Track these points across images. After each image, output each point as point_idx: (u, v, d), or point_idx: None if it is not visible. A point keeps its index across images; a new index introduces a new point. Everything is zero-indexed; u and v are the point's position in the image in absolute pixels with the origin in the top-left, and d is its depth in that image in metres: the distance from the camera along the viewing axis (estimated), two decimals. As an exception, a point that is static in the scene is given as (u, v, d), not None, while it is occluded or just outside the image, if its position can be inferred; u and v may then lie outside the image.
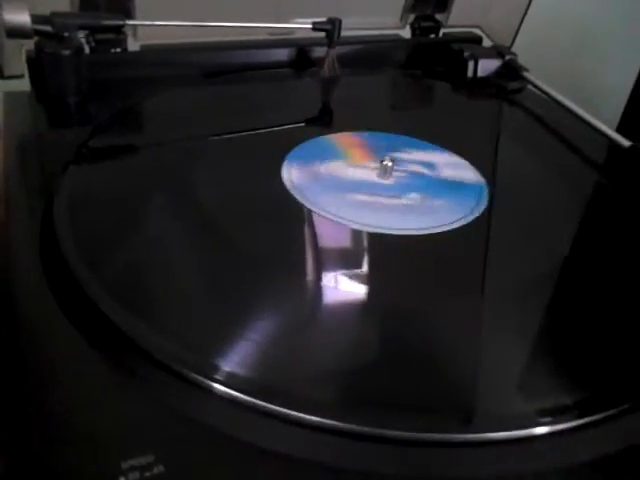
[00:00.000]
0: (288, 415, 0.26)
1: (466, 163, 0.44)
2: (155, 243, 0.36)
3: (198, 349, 0.29)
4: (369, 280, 0.35)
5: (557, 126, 0.53)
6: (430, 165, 0.43)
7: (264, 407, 0.26)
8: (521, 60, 0.61)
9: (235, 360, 0.29)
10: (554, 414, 0.28)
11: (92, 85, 0.49)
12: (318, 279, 0.34)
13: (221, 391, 0.27)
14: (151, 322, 0.30)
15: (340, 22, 0.55)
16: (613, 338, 0.33)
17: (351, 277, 0.35)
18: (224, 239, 0.36)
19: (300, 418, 0.26)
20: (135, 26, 0.54)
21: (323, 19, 0.55)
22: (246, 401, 0.27)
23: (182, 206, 0.39)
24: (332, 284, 0.34)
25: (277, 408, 0.26)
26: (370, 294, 0.34)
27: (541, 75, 0.60)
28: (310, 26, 0.54)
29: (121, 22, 0.48)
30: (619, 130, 0.67)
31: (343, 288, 0.34)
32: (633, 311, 0.35)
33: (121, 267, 0.34)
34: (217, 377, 0.27)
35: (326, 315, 0.33)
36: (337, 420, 0.26)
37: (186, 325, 0.31)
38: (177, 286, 0.33)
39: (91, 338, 0.29)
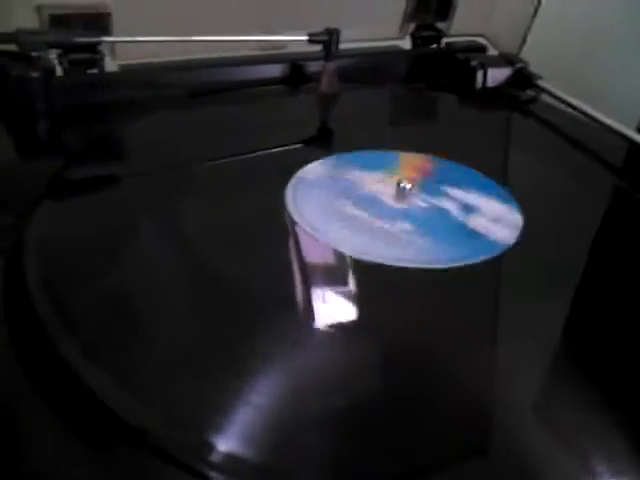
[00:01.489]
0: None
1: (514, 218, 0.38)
2: (143, 296, 0.30)
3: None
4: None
5: (580, 137, 0.49)
6: (469, 208, 0.38)
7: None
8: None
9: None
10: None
11: (66, 110, 0.44)
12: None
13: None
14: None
15: (338, 32, 0.50)
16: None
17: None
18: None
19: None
20: (112, 44, 0.48)
21: (319, 30, 0.50)
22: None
23: (170, 246, 0.34)
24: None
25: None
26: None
27: (550, 84, 0.56)
28: (306, 38, 0.50)
29: (96, 39, 0.43)
30: None
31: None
32: None
33: (105, 328, 0.28)
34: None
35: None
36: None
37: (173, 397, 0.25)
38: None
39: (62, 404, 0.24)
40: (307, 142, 0.46)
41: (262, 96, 0.52)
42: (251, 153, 0.43)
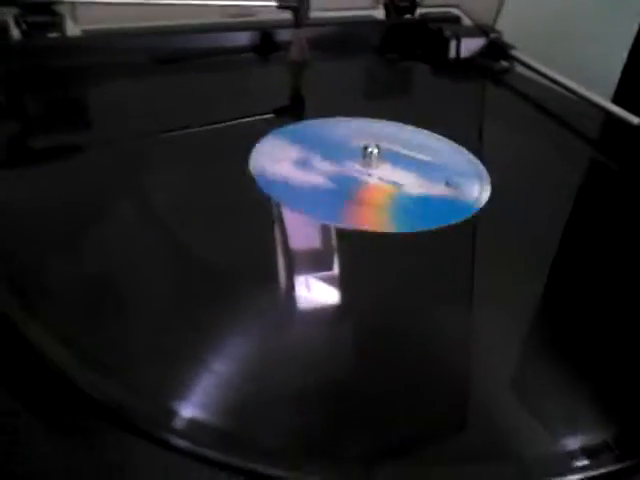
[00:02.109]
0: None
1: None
2: (103, 265, 0.29)
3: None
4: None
5: (553, 106, 0.48)
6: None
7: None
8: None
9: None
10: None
11: (23, 74, 0.42)
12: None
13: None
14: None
15: (309, -1, 0.49)
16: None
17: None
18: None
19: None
20: (73, 6, 0.47)
21: (289, -4, 0.49)
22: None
23: (129, 213, 0.33)
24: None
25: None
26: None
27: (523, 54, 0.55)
28: (275, 4, 0.48)
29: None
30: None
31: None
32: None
33: (65, 297, 0.27)
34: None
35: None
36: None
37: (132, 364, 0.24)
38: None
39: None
40: (274, 110, 0.45)
41: (229, 64, 0.51)
42: (215, 123, 0.41)
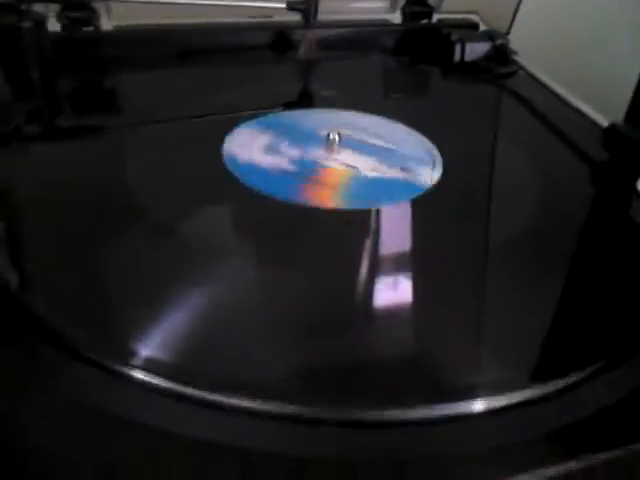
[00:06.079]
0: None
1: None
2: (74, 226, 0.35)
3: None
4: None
5: (544, 110, 0.50)
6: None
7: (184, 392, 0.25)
8: (522, 47, 0.58)
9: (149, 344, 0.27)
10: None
11: (59, 63, 0.49)
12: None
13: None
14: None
15: (317, 2, 0.53)
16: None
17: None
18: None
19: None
20: (108, 5, 0.53)
21: (300, -1, 0.53)
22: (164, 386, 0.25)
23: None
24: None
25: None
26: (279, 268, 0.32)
27: (544, 62, 0.56)
28: (284, 5, 0.53)
29: (81, -4, 0.47)
30: (628, 116, 0.62)
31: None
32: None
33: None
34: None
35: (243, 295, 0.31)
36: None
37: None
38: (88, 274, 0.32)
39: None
40: (275, 101, 0.49)
41: (245, 60, 0.56)
42: (215, 114, 0.46)
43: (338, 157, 0.40)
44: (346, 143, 0.41)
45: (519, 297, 0.32)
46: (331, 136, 0.40)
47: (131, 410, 0.24)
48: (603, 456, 0.24)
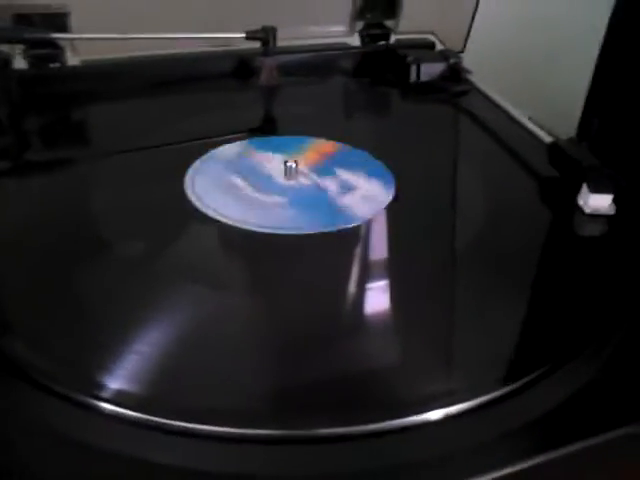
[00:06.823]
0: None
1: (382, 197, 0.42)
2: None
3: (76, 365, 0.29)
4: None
5: (495, 127, 0.52)
6: (347, 188, 0.42)
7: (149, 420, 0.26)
8: (476, 65, 0.60)
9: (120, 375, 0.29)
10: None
11: (27, 100, 0.50)
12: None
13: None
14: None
15: (275, 30, 0.55)
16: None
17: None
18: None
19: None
20: (72, 41, 0.55)
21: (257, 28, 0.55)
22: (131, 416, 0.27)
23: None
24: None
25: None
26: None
27: (497, 80, 0.59)
28: (243, 35, 0.55)
29: (45, 35, 0.49)
30: (579, 130, 0.65)
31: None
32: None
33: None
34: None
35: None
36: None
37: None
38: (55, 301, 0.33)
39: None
40: (233, 129, 0.51)
41: (208, 88, 0.57)
42: (185, 141, 0.48)
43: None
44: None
45: (466, 310, 0.34)
46: (288, 164, 0.42)
47: (94, 437, 0.26)
48: (551, 455, 0.26)
